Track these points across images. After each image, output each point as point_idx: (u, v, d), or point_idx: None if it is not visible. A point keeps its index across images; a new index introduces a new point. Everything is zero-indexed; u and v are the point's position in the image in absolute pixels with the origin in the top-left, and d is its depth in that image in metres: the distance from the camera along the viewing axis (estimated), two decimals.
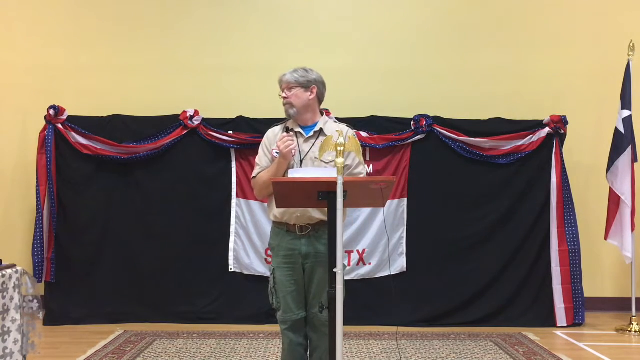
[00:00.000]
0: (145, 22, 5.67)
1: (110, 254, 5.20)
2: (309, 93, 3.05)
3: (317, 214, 2.95)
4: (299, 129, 3.07)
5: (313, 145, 3.02)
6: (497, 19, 5.75)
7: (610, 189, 5.21)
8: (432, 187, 5.27)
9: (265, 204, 5.20)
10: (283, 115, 6.06)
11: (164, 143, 5.20)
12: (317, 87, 3.06)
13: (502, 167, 5.29)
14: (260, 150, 3.16)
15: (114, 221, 5.23)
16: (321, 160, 2.94)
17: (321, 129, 3.06)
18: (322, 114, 3.14)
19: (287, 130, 3.07)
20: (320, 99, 3.11)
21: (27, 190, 5.46)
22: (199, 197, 5.25)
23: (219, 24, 5.69)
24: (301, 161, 3.00)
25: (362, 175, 3.05)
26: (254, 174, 3.15)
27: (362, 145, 4.77)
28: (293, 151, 2.96)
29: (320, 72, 3.13)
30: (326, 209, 2.89)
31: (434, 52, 5.72)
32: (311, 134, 3.06)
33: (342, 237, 2.51)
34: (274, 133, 3.13)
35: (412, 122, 5.26)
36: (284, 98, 3.05)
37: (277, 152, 2.99)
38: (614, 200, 5.20)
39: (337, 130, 2.65)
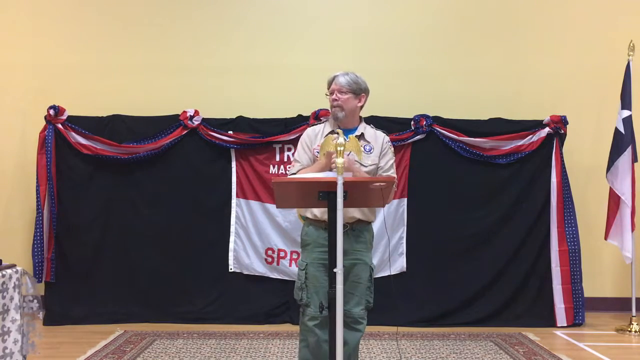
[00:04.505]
0: (145, 22, 5.67)
1: (110, 253, 5.20)
2: (358, 101, 3.14)
3: (357, 213, 3.02)
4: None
5: None
6: (497, 19, 5.74)
7: (610, 189, 5.21)
8: (432, 187, 5.27)
9: (266, 204, 5.23)
10: (284, 115, 5.99)
11: (164, 143, 5.20)
12: (365, 96, 3.16)
13: (502, 167, 5.29)
14: (299, 147, 3.19)
15: (114, 221, 5.23)
16: (361, 164, 3.04)
17: (362, 134, 3.13)
18: (360, 120, 3.20)
19: (335, 132, 3.07)
20: (363, 107, 3.19)
21: (27, 190, 5.46)
22: (199, 197, 5.25)
23: (218, 24, 5.68)
24: None
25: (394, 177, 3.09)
26: (292, 170, 3.16)
27: None
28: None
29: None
30: (365, 209, 2.95)
31: (434, 52, 5.71)
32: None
33: (342, 237, 2.51)
34: (315, 132, 3.18)
35: (412, 122, 5.26)
36: (335, 100, 3.09)
37: (319, 152, 3.07)
38: (614, 200, 5.20)
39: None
